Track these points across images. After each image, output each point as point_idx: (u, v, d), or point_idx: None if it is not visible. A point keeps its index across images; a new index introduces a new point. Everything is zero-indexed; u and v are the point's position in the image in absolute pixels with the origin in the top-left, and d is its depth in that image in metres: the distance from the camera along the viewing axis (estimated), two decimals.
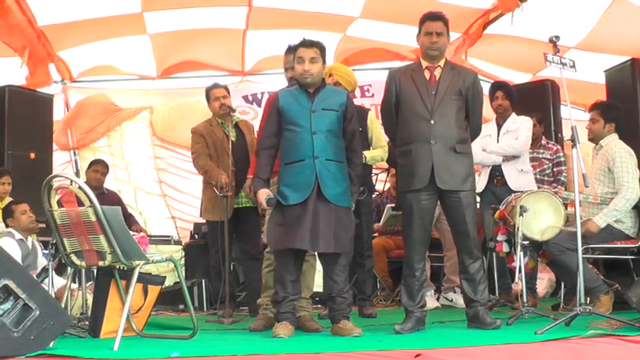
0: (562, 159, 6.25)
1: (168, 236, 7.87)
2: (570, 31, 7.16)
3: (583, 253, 4.15)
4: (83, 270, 4.53)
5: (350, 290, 4.21)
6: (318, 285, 4.98)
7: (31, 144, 7.37)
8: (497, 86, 6.11)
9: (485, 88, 5.73)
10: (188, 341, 3.91)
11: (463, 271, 4.32)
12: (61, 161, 8.84)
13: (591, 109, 5.25)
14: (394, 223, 7.03)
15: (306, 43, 4.18)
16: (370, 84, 8.81)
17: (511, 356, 3.17)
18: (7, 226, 5.46)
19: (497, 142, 5.81)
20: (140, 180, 9.25)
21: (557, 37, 4.30)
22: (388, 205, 7.08)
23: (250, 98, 8.97)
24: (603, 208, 4.88)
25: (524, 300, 4.55)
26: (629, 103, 6.32)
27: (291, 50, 4.46)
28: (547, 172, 6.19)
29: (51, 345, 3.30)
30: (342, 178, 4.13)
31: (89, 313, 4.40)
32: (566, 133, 6.21)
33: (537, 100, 7.30)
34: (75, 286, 4.89)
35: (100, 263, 3.91)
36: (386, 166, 7.52)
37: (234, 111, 5.83)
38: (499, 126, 5.90)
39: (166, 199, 9.27)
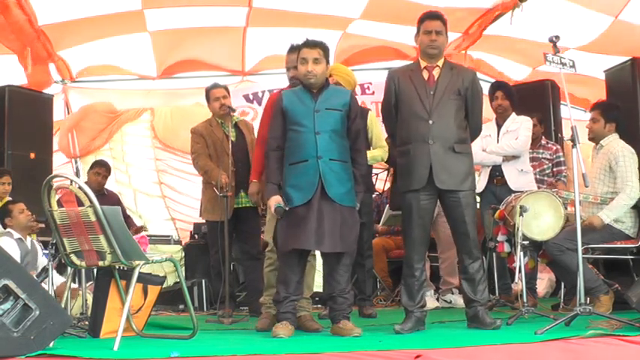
0: (562, 159, 6.25)
1: (168, 236, 7.88)
2: (570, 35, 7.18)
3: (583, 253, 4.15)
4: (83, 270, 4.53)
5: (351, 291, 4.21)
6: (318, 285, 4.98)
7: (31, 144, 7.37)
8: (497, 86, 6.11)
9: (485, 88, 5.74)
10: (188, 341, 3.91)
11: (463, 271, 4.31)
12: (61, 161, 8.84)
13: (592, 109, 5.25)
14: (394, 223, 7.03)
15: (310, 44, 4.17)
16: (370, 82, 8.83)
17: (511, 356, 3.17)
18: (5, 226, 5.45)
19: (497, 142, 5.81)
20: (140, 182, 9.26)
21: (557, 37, 4.30)
22: (388, 205, 7.08)
23: (251, 97, 8.98)
24: (603, 207, 4.88)
25: (524, 300, 4.55)
26: (629, 103, 6.33)
27: (294, 50, 4.46)
28: (547, 172, 6.19)
29: (51, 345, 3.29)
30: (346, 178, 4.12)
31: (89, 313, 4.40)
32: (566, 133, 6.21)
33: (537, 100, 7.31)
34: (75, 285, 4.89)
35: (100, 263, 3.90)
36: (386, 166, 7.53)
37: (234, 111, 5.83)
38: (499, 126, 5.90)
39: (166, 200, 9.28)
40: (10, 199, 6.10)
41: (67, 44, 7.94)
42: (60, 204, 3.96)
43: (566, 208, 4.81)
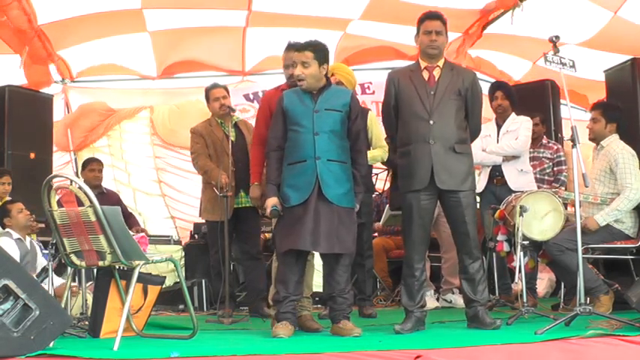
0: (562, 158, 6.25)
1: (168, 236, 7.87)
2: (570, 34, 7.18)
3: (583, 253, 4.15)
4: (83, 270, 4.53)
5: (351, 291, 4.21)
6: (317, 285, 4.98)
7: (31, 144, 7.37)
8: (497, 86, 6.11)
9: (485, 88, 5.74)
10: (188, 341, 3.91)
11: (463, 271, 4.32)
12: (60, 161, 8.84)
13: (592, 109, 5.24)
14: (394, 223, 7.04)
15: (298, 47, 4.18)
16: (370, 82, 8.83)
17: (511, 356, 3.17)
18: (4, 226, 5.45)
19: (497, 142, 5.81)
20: (139, 180, 9.25)
21: (557, 37, 4.30)
22: (388, 205, 7.08)
23: (251, 96, 8.97)
24: (603, 208, 4.88)
25: (524, 300, 4.56)
26: (629, 103, 6.32)
27: (290, 48, 4.46)
28: (547, 171, 6.19)
29: (51, 345, 3.29)
30: (344, 179, 4.12)
31: (89, 313, 4.40)
32: (566, 133, 6.21)
33: (537, 100, 7.31)
34: (75, 285, 4.88)
35: (100, 263, 3.90)
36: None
37: (234, 111, 5.83)
38: (499, 126, 5.91)
39: (165, 198, 9.27)
40: (10, 199, 6.09)
41: (66, 44, 7.95)
42: (60, 204, 3.95)
43: (566, 208, 4.81)
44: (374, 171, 6.66)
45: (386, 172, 7.76)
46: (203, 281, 6.68)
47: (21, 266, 3.76)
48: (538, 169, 6.12)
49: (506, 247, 4.94)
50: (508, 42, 7.97)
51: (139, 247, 3.91)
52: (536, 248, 4.93)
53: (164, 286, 4.88)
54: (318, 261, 4.54)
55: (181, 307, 6.31)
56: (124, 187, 9.09)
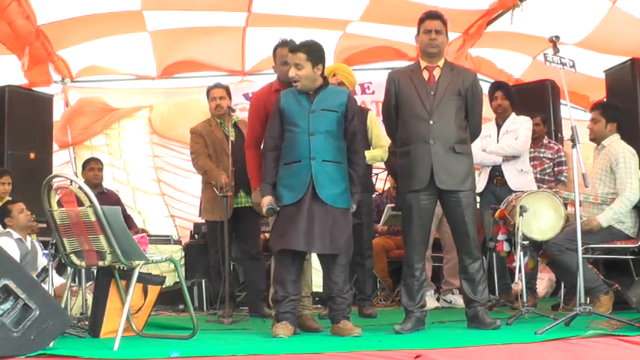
0: (563, 159, 6.25)
1: (168, 236, 7.87)
2: (569, 30, 7.17)
3: (583, 253, 4.15)
4: (83, 270, 4.53)
5: (350, 290, 4.21)
6: (317, 285, 4.99)
7: (31, 144, 7.37)
8: (497, 86, 6.11)
9: (485, 88, 5.74)
10: (188, 341, 3.91)
11: (463, 271, 4.32)
12: (60, 161, 8.84)
13: (592, 109, 5.23)
14: (394, 223, 7.04)
15: (292, 49, 4.17)
16: (370, 82, 8.83)
17: (511, 356, 3.17)
18: (4, 226, 5.45)
19: (497, 142, 5.81)
20: (138, 179, 9.25)
21: (557, 37, 4.30)
22: (388, 205, 7.08)
23: (251, 95, 8.96)
24: (604, 208, 4.87)
25: (524, 300, 4.55)
26: (629, 103, 6.32)
27: (284, 45, 4.46)
28: (548, 171, 6.19)
29: (51, 345, 3.29)
30: (340, 179, 4.12)
31: (89, 313, 4.40)
32: (566, 133, 6.21)
33: (537, 100, 7.31)
34: (75, 285, 4.88)
35: (100, 263, 3.90)
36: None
37: (233, 111, 5.83)
38: (499, 126, 5.91)
39: (165, 198, 9.27)
40: (10, 199, 6.09)
41: (66, 44, 7.95)
42: (60, 204, 3.96)
43: (566, 208, 4.81)
44: (374, 171, 6.65)
45: (386, 172, 7.76)
46: (203, 281, 6.68)
47: (21, 266, 3.75)
48: (538, 169, 6.12)
49: (506, 247, 4.94)
50: (507, 39, 7.97)
51: (139, 247, 3.91)
52: (536, 248, 4.93)
53: (164, 286, 4.88)
54: (318, 261, 4.54)
55: (181, 307, 6.31)
56: (123, 186, 9.09)
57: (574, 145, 4.06)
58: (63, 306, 4.07)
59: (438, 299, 6.36)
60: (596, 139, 5.13)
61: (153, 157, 9.26)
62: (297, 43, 4.20)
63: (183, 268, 6.99)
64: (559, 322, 3.92)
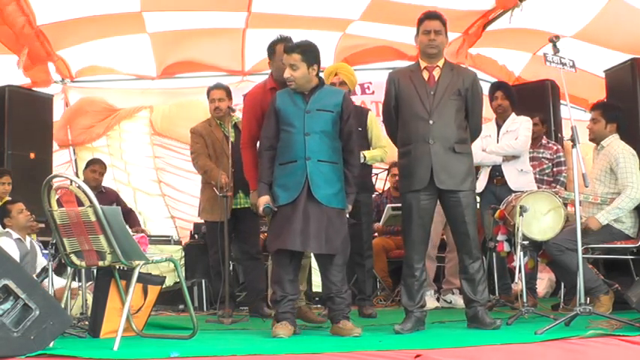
0: (562, 159, 6.25)
1: (168, 236, 7.87)
2: (568, 22, 7.17)
3: (583, 253, 4.15)
4: (83, 270, 4.53)
5: (349, 290, 4.21)
6: (317, 285, 4.99)
7: (31, 144, 7.37)
8: (497, 86, 6.11)
9: (485, 88, 5.74)
10: (188, 341, 3.91)
11: (463, 271, 4.32)
12: (60, 161, 8.84)
13: (592, 109, 5.23)
14: (394, 223, 7.04)
15: (286, 49, 4.17)
16: (370, 82, 8.83)
17: (511, 356, 3.17)
18: (4, 226, 5.45)
19: (497, 142, 5.81)
20: (139, 180, 9.25)
21: (557, 37, 4.30)
22: (388, 205, 7.08)
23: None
24: (603, 208, 4.87)
25: (524, 300, 4.55)
26: (629, 103, 6.32)
27: (281, 42, 4.46)
28: (547, 171, 6.18)
29: (51, 345, 3.29)
30: (335, 179, 4.12)
31: (89, 313, 4.40)
32: (566, 133, 6.21)
33: (537, 100, 7.31)
34: (75, 284, 4.88)
35: (100, 263, 3.91)
36: (386, 166, 7.54)
37: (233, 111, 5.83)
38: (499, 126, 5.90)
39: (165, 198, 9.27)
40: (10, 199, 6.09)
41: (66, 44, 7.94)
42: (60, 204, 3.95)
43: (566, 208, 4.81)
44: (374, 171, 6.65)
45: (386, 172, 7.77)
46: (203, 281, 6.68)
47: (21, 266, 3.76)
48: (537, 169, 6.12)
49: (506, 247, 4.94)
50: (506, 36, 7.96)
51: (139, 247, 3.91)
52: (536, 248, 4.93)
53: (164, 286, 4.88)
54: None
55: (181, 307, 6.31)
56: (124, 186, 9.09)
57: (574, 145, 4.06)
58: (63, 306, 4.07)
59: (438, 299, 6.36)
60: (596, 139, 5.13)
61: (153, 158, 9.26)
62: (292, 43, 4.19)
63: (183, 268, 6.99)
64: (559, 322, 3.92)
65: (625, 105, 5.66)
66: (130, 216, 6.85)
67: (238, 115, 6.20)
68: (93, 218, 3.72)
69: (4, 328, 3.15)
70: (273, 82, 4.53)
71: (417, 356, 3.00)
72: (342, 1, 7.44)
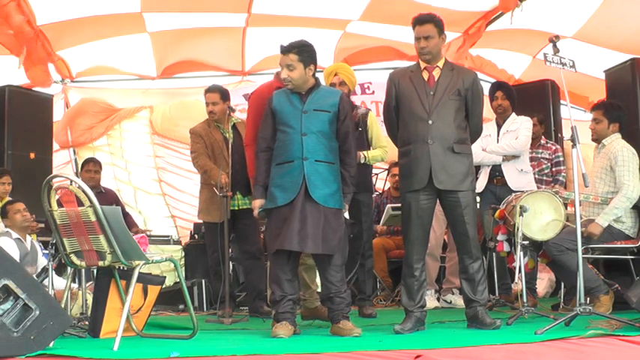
0: (561, 159, 6.25)
1: (168, 236, 7.87)
2: (567, 21, 7.16)
3: (583, 253, 4.15)
4: (83, 270, 4.53)
5: (348, 290, 4.21)
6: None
7: (31, 144, 7.37)
8: (497, 86, 6.11)
9: (486, 88, 5.73)
10: (188, 341, 3.92)
11: (463, 271, 4.32)
12: (61, 161, 8.84)
13: (594, 109, 5.20)
14: (394, 223, 7.04)
15: (283, 50, 4.17)
16: (370, 82, 8.83)
17: (511, 356, 3.16)
18: (5, 226, 5.47)
19: (497, 142, 5.81)
20: (139, 179, 9.25)
21: (556, 37, 4.30)
22: (388, 205, 7.08)
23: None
24: (604, 207, 4.87)
25: (524, 300, 4.55)
26: (629, 103, 6.32)
27: None
28: (546, 172, 6.19)
29: (51, 345, 3.30)
30: (331, 180, 4.12)
31: (89, 313, 4.40)
32: (566, 133, 6.21)
33: (537, 100, 7.31)
34: (75, 285, 4.89)
35: (100, 263, 3.91)
36: (386, 165, 7.54)
37: (233, 111, 5.82)
38: (499, 126, 5.91)
39: (166, 198, 9.28)
40: (10, 199, 6.10)
41: (66, 44, 7.95)
42: (60, 204, 3.96)
43: (566, 208, 4.80)
44: (374, 171, 6.65)
45: (386, 172, 7.77)
46: (203, 281, 6.68)
47: (21, 266, 3.75)
48: (536, 169, 6.12)
49: (506, 247, 4.94)
50: (506, 37, 7.96)
51: (139, 247, 3.91)
52: (536, 248, 4.93)
53: (164, 286, 4.88)
54: None
55: (181, 307, 6.31)
56: (125, 185, 9.10)
57: (574, 145, 4.06)
58: (63, 306, 4.07)
59: (438, 299, 6.36)
60: (599, 139, 5.11)
61: (154, 158, 9.27)
62: (288, 44, 4.19)
63: (183, 268, 7.00)
64: (559, 322, 3.92)
65: (625, 105, 5.66)
66: (126, 219, 6.85)
67: (238, 115, 6.21)
68: (93, 218, 3.73)
69: (4, 328, 3.16)
70: (279, 82, 4.54)
71: (417, 356, 3.00)
72: (342, 0, 7.44)
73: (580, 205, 4.25)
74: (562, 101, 7.62)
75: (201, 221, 6.39)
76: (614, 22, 7.12)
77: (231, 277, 6.14)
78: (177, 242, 7.81)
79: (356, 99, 7.93)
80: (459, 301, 5.90)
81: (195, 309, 5.46)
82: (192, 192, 8.49)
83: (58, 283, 4.92)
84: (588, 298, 4.56)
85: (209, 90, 5.86)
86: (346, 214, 4.32)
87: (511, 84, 7.52)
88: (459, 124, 4.26)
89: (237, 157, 5.60)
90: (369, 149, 5.48)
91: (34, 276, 4.62)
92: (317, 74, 4.26)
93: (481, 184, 5.79)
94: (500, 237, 4.95)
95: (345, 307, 4.12)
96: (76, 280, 4.95)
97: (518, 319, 4.42)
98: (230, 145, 5.57)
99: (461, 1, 7.10)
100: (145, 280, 4.43)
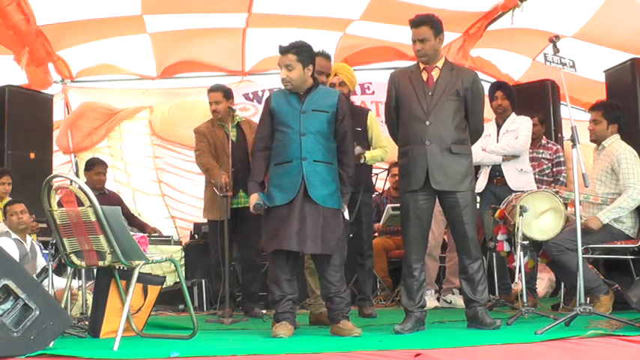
0: (562, 159, 6.25)
1: (169, 236, 7.87)
2: (568, 20, 7.16)
3: (583, 253, 4.15)
4: (83, 270, 4.53)
5: (348, 290, 4.21)
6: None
7: (31, 144, 7.37)
8: (497, 86, 6.11)
9: (486, 88, 5.73)
10: (188, 341, 3.92)
11: (462, 271, 4.32)
12: (61, 161, 8.84)
13: (593, 110, 5.17)
14: (394, 223, 7.04)
15: (281, 50, 4.17)
16: (370, 82, 8.83)
17: (511, 356, 3.17)
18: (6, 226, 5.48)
19: (497, 141, 5.81)
20: (139, 180, 9.24)
21: (557, 37, 4.29)
22: (388, 205, 7.08)
23: (251, 96, 8.97)
24: (604, 208, 4.87)
25: (524, 300, 4.55)
26: (629, 103, 6.32)
27: (317, 55, 4.50)
28: (546, 172, 6.19)
29: (51, 345, 3.30)
30: (330, 180, 4.13)
31: (89, 313, 4.40)
32: (566, 133, 6.21)
33: (537, 100, 7.31)
34: (75, 286, 4.88)
35: (100, 263, 3.91)
36: (386, 165, 7.54)
37: (234, 111, 5.83)
38: (499, 126, 5.91)
39: (165, 198, 9.26)
40: (10, 199, 6.10)
41: (66, 44, 7.95)
42: (60, 204, 3.96)
43: (566, 208, 4.80)
44: (374, 171, 6.65)
45: (386, 172, 7.76)
46: (203, 281, 6.68)
47: (21, 266, 3.75)
48: (537, 169, 6.12)
49: (506, 247, 4.94)
50: (506, 38, 7.96)
51: (139, 247, 3.91)
52: (536, 248, 4.93)
53: (164, 286, 4.88)
54: None
55: (181, 307, 6.31)
56: (124, 187, 9.09)
57: (574, 145, 4.06)
58: (63, 306, 4.07)
59: (438, 299, 6.36)
60: (598, 140, 5.10)
61: (153, 159, 9.26)
62: (286, 44, 4.19)
63: (183, 268, 7.00)
64: (559, 322, 3.92)
65: (625, 105, 5.65)
66: (134, 221, 6.89)
67: (239, 114, 6.22)
68: (93, 218, 3.73)
69: (4, 328, 3.16)
70: None
71: (417, 355, 3.00)
72: (342, 1, 7.44)
73: (580, 205, 4.24)
74: (562, 101, 7.62)
75: (202, 220, 6.40)
76: (615, 22, 7.12)
77: (231, 277, 6.13)
78: (178, 242, 7.81)
79: (356, 99, 7.93)
80: (459, 301, 5.90)
81: (195, 309, 5.46)
82: (191, 192, 8.49)
83: (58, 283, 4.93)
84: (588, 298, 4.55)
85: (212, 89, 5.88)
86: (346, 214, 4.33)
87: (511, 84, 7.53)
88: (457, 124, 4.25)
89: (239, 155, 5.61)
90: (369, 149, 5.48)
91: (34, 276, 4.61)
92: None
93: (481, 184, 5.79)
94: (500, 237, 4.95)
95: (345, 307, 4.12)
96: (76, 279, 4.95)
97: (518, 319, 4.42)
98: (232, 144, 5.57)
99: (461, 2, 7.10)
100: (145, 280, 4.43)
